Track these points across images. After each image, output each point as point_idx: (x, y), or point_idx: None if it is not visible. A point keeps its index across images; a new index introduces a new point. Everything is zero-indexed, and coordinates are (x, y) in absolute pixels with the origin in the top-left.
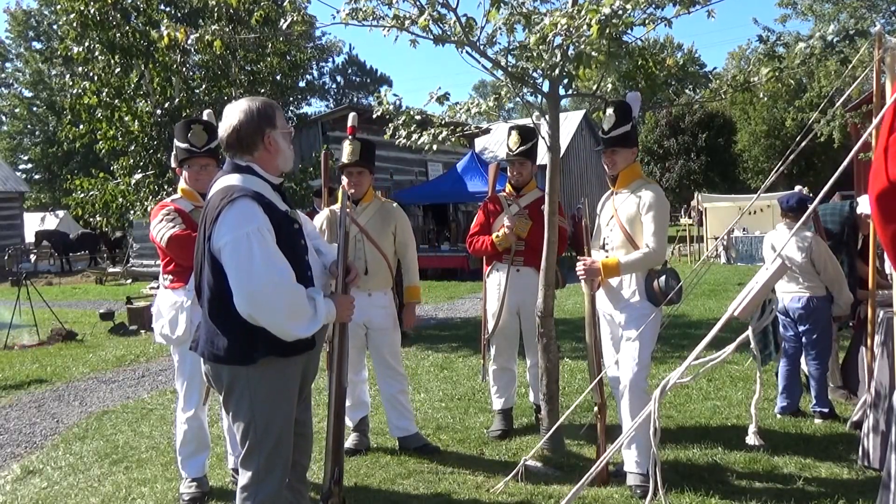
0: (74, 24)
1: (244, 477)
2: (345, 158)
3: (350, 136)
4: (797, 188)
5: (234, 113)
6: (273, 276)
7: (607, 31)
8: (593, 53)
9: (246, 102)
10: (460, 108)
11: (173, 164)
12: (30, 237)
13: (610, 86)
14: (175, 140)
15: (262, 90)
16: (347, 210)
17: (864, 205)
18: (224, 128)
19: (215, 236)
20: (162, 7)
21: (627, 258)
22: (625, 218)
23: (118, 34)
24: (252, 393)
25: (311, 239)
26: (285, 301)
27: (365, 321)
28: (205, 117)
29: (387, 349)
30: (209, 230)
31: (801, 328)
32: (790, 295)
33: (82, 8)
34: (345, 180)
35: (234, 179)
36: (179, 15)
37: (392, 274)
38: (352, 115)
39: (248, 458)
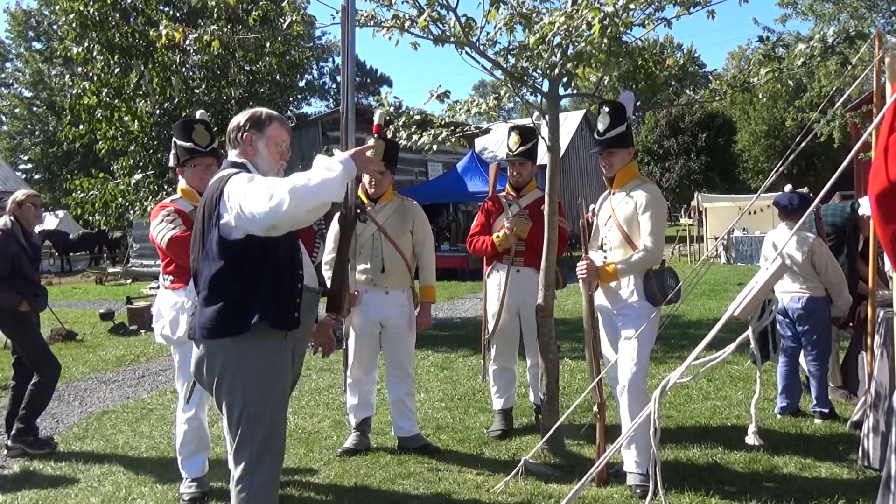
0: (74, 25)
1: (237, 470)
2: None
3: (375, 135)
4: (787, 188)
5: (244, 111)
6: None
7: (609, 30)
8: (593, 52)
9: (259, 108)
10: (460, 108)
11: (172, 164)
12: None
13: (607, 81)
14: (176, 140)
15: (262, 90)
16: (368, 208)
17: (866, 206)
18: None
19: (224, 208)
20: (161, 7)
21: (624, 262)
22: (622, 218)
23: (117, 34)
24: (244, 373)
25: None
26: (298, 182)
27: (381, 319)
28: (198, 116)
29: (402, 350)
30: (215, 213)
31: (800, 328)
32: (789, 295)
33: (81, 8)
34: (366, 178)
35: (230, 172)
36: (179, 15)
37: (410, 273)
38: (378, 113)
39: (240, 449)
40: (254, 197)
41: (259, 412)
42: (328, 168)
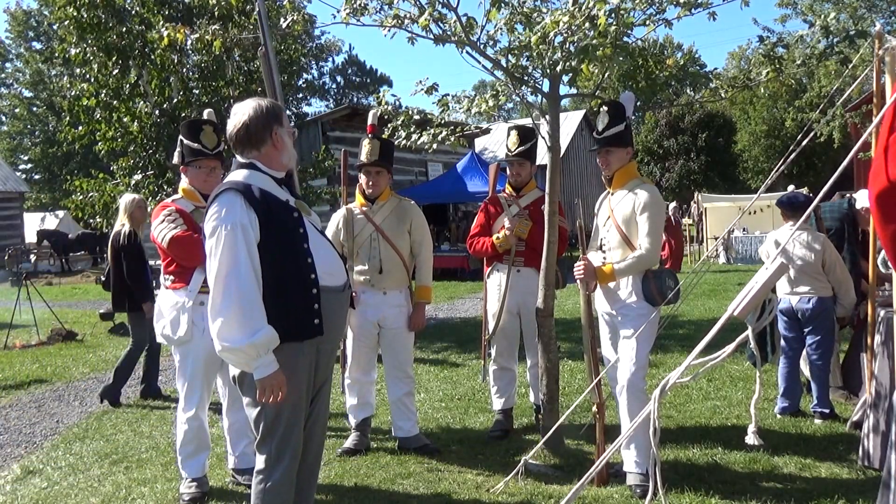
0: (71, 29)
1: (259, 461)
2: (363, 157)
3: (370, 135)
4: (790, 188)
5: (244, 110)
6: (231, 273)
7: (613, 22)
8: (598, 45)
9: (255, 101)
10: (460, 106)
11: (176, 161)
12: (30, 237)
13: (608, 80)
14: (183, 139)
15: (259, 89)
16: (365, 208)
17: (863, 199)
18: (233, 124)
19: (205, 226)
20: (156, 10)
21: (622, 263)
22: (621, 218)
23: (114, 35)
24: None
25: None
26: (234, 300)
27: (379, 320)
28: (205, 116)
29: (401, 350)
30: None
31: (807, 329)
32: (798, 296)
33: (75, 13)
34: (363, 179)
35: (237, 175)
36: (178, 15)
37: (408, 273)
38: (371, 112)
39: (262, 444)
40: (208, 269)
41: (276, 413)
42: (251, 331)
